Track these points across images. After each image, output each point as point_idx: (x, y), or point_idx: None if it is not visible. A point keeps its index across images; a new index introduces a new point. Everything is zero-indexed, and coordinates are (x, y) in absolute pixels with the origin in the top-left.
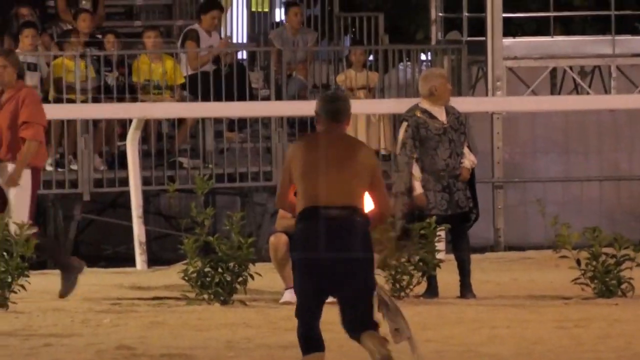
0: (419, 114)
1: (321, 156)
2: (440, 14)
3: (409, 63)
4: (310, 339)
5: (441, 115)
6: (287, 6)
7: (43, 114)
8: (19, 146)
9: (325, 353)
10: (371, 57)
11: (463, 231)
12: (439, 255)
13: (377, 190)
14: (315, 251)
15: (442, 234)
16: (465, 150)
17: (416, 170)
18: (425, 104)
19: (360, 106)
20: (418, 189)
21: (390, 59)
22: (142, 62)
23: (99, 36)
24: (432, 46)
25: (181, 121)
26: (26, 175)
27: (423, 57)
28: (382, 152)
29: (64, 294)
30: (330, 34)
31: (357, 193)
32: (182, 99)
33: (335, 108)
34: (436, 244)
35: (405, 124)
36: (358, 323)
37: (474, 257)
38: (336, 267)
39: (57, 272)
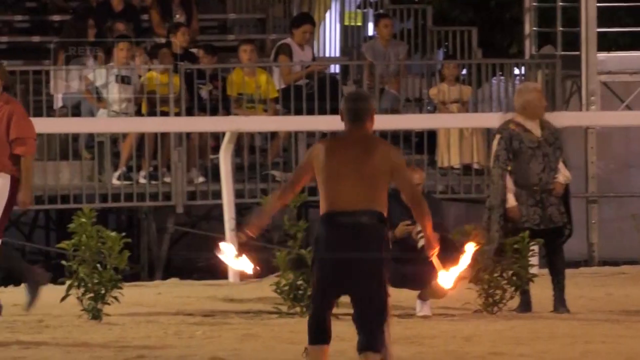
0: (512, 126)
1: (342, 160)
2: (534, 28)
3: (502, 77)
4: (319, 330)
5: (536, 129)
6: (377, 18)
7: (33, 127)
8: (4, 159)
9: (329, 346)
10: (464, 71)
11: (557, 246)
12: (533, 270)
13: (404, 188)
14: (334, 254)
15: (536, 248)
16: (561, 165)
17: (510, 182)
18: (520, 118)
19: (452, 120)
20: (511, 201)
21: (483, 73)
22: (236, 75)
23: (193, 50)
24: (526, 60)
25: (274, 134)
26: (5, 184)
27: (516, 71)
28: (475, 166)
29: (27, 307)
30: (423, 48)
31: (376, 196)
32: (275, 113)
33: (356, 108)
34: (530, 258)
35: (498, 136)
36: (365, 337)
37: (568, 272)
38: (352, 269)
39: (151, 283)
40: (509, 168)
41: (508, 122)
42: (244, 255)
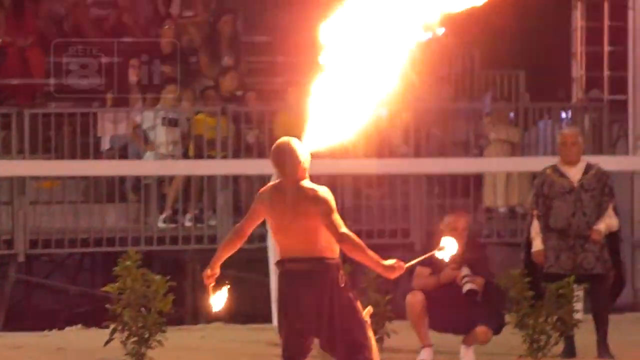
0: (549, 171)
1: (280, 212)
2: (582, 72)
3: (549, 121)
4: None
5: (575, 174)
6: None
7: None
8: None
9: None
10: (511, 115)
11: (600, 292)
12: (577, 315)
13: (331, 230)
14: (290, 300)
15: (580, 293)
16: (609, 212)
17: (535, 226)
18: (559, 162)
19: (498, 164)
20: (536, 245)
21: (530, 117)
22: (283, 117)
23: (239, 92)
24: (573, 104)
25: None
26: None
27: (563, 115)
28: (520, 210)
29: None
30: (471, 91)
31: (318, 241)
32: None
33: (279, 163)
34: (574, 303)
35: (535, 180)
36: None
37: (613, 318)
38: (309, 313)
39: (195, 327)
40: (536, 212)
41: (548, 167)
42: (218, 292)
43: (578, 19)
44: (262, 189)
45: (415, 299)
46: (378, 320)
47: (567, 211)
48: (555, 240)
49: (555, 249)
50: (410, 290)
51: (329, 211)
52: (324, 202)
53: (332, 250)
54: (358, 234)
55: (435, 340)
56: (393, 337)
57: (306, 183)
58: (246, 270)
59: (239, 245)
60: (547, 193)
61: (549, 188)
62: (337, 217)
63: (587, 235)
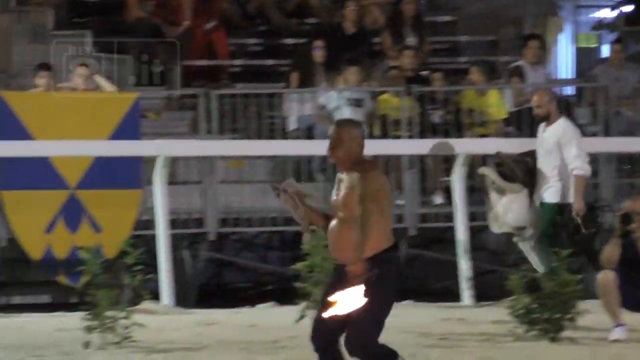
0: None
1: (386, 192)
2: None
3: None
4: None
5: None
6: (612, 43)
7: None
8: None
9: None
10: None
11: None
12: None
13: None
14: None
15: None
16: None
17: None
18: None
19: None
20: None
21: None
22: (468, 95)
23: (424, 72)
24: None
25: None
26: None
27: None
28: None
29: None
30: None
31: None
32: (505, 134)
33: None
34: None
35: None
36: None
37: None
38: None
39: None
40: None
41: None
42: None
43: None
44: (376, 171)
45: (606, 278)
46: (569, 300)
47: None
48: None
49: None
50: (601, 269)
51: None
52: None
53: None
54: None
55: (627, 319)
56: (586, 316)
57: None
58: (434, 249)
59: None
60: None
61: None
62: None
63: None
